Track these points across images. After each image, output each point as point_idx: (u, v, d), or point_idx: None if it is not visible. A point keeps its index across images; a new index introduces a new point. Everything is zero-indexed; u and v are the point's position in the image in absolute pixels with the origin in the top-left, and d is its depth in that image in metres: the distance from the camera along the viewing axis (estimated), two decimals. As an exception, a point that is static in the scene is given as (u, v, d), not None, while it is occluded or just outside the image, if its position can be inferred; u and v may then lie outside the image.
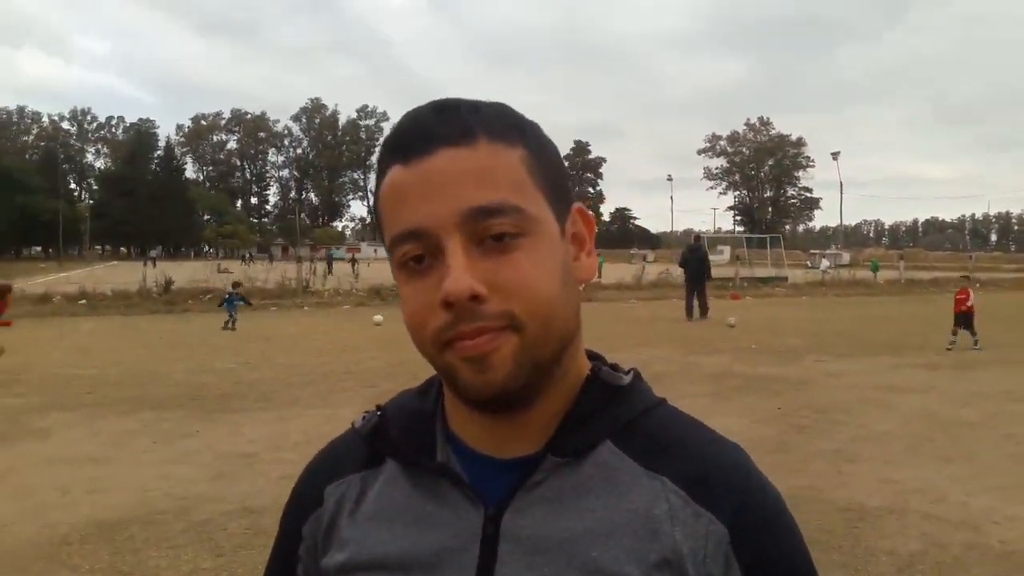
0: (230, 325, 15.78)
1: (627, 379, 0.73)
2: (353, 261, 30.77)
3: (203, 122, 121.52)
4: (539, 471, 0.68)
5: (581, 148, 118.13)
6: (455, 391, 0.67)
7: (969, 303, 13.36)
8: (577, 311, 0.70)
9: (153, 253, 70.58)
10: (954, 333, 13.30)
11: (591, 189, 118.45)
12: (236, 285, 18.27)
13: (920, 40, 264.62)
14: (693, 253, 19.17)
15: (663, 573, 0.65)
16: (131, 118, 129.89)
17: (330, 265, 36.51)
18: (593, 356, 0.77)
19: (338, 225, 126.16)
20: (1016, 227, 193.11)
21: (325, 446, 0.82)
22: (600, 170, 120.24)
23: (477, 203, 0.62)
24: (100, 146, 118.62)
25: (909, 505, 5.19)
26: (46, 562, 4.35)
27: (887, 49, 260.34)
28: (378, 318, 16.72)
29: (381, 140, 0.71)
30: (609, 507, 0.66)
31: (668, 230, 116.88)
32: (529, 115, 0.72)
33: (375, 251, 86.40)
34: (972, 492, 5.49)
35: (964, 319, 13.30)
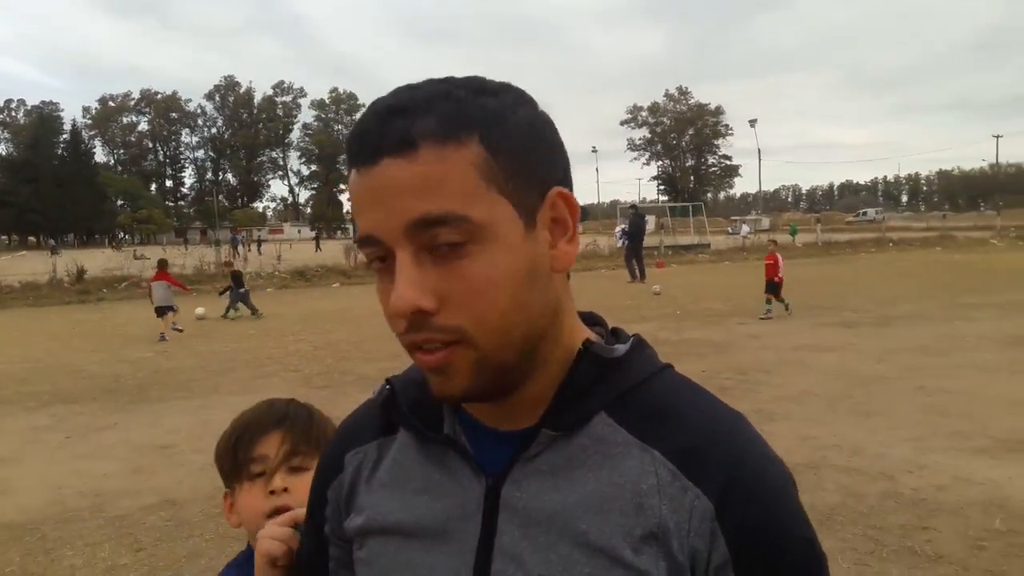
0: (257, 313, 15.06)
1: (621, 350, 0.72)
2: (257, 242, 28.67)
3: (111, 103, 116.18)
4: (534, 444, 0.69)
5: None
6: None
7: (780, 274, 12.84)
8: (551, 303, 0.69)
9: (52, 242, 67.26)
10: (768, 301, 12.77)
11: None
12: (233, 271, 16.58)
13: (834, 8, 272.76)
14: (638, 220, 21.90)
15: (649, 547, 0.65)
16: (33, 101, 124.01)
17: (235, 248, 35.19)
18: (594, 321, 0.78)
19: (259, 206, 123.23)
20: (925, 188, 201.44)
21: (348, 415, 0.87)
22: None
23: (419, 214, 0.62)
24: (0, 131, 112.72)
25: (828, 460, 5.36)
26: (-51, 570, 4.12)
27: (802, 17, 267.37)
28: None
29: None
30: (600, 480, 0.67)
31: (595, 202, 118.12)
32: None
33: (299, 231, 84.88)
34: (888, 444, 5.70)
35: (773, 287, 12.82)
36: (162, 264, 14.16)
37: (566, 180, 0.70)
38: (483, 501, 0.70)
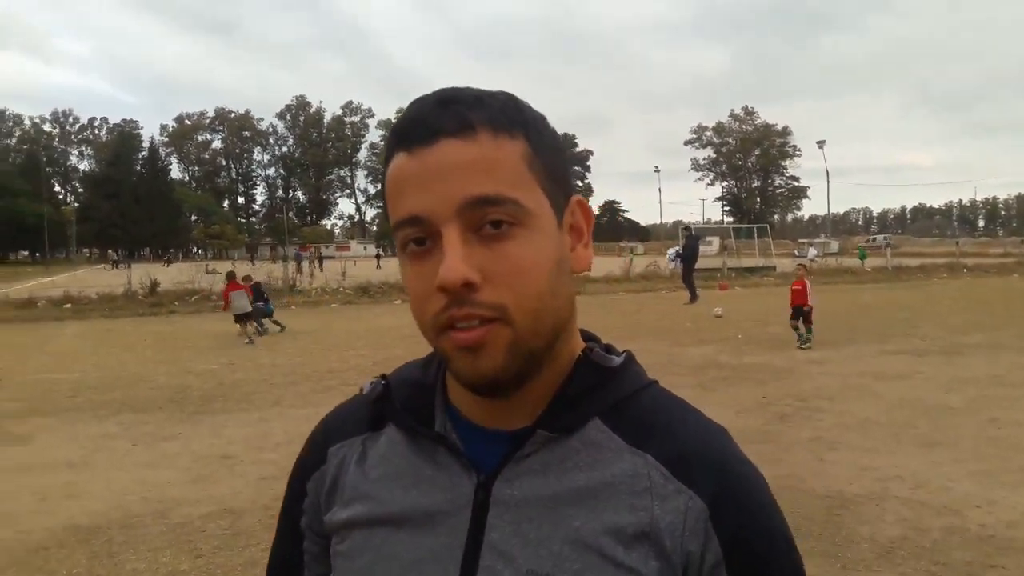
0: (262, 329, 14.97)
1: (618, 360, 0.76)
2: (319, 259, 28.58)
3: (187, 122, 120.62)
4: (529, 444, 0.71)
5: (568, 141, 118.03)
6: (452, 374, 0.72)
7: (810, 302, 12.17)
8: (571, 299, 0.73)
9: (114, 256, 69.47)
10: (795, 328, 12.21)
11: (579, 183, 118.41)
12: (249, 280, 16.03)
13: (906, 25, 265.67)
14: (692, 241, 22.20)
15: (641, 545, 0.68)
16: (114, 119, 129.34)
17: (312, 264, 35.96)
18: (588, 337, 0.81)
19: (327, 223, 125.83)
20: (1003, 212, 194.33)
21: (332, 410, 0.87)
22: (588, 163, 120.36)
23: (475, 193, 0.65)
24: (83, 148, 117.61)
25: (889, 491, 5.19)
26: (20, 568, 4.30)
27: (872, 35, 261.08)
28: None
29: (390, 128, 0.74)
30: (592, 480, 0.70)
31: (657, 222, 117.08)
32: None
33: (364, 248, 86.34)
34: (953, 477, 5.49)
35: (800, 312, 12.18)
36: (230, 276, 14.95)
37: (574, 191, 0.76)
38: (473, 496, 0.72)
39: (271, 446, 6.71)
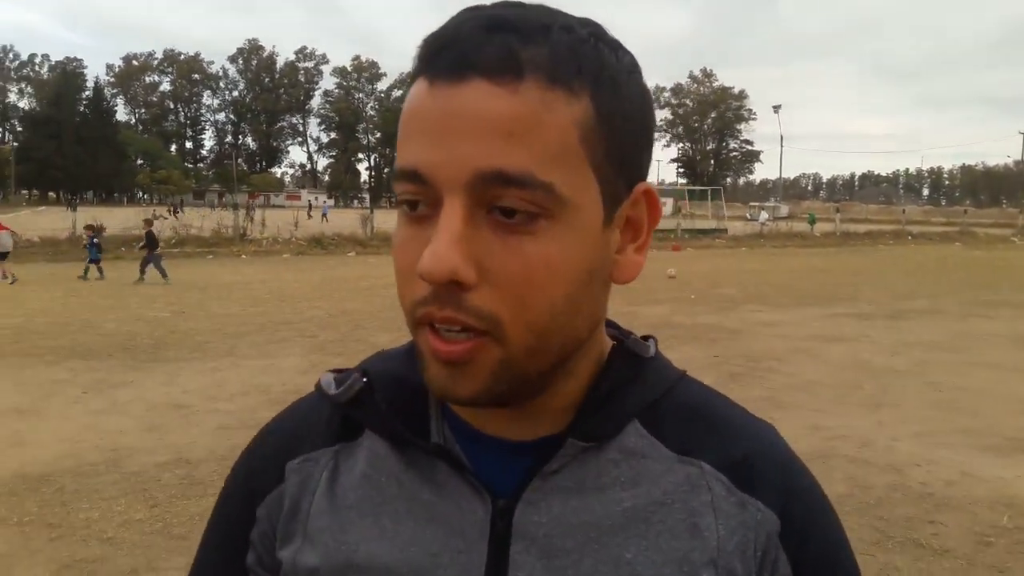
0: (86, 274, 15.06)
1: (652, 350, 0.63)
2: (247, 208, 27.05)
3: (134, 62, 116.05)
4: (558, 456, 0.56)
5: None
6: (424, 379, 0.55)
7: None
8: (597, 317, 0.57)
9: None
10: None
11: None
12: (92, 229, 16.58)
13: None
14: None
15: (709, 574, 0.56)
16: (57, 56, 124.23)
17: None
18: (611, 325, 0.66)
19: (276, 171, 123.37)
20: (947, 182, 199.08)
21: (285, 410, 0.68)
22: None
23: (496, 165, 0.48)
24: (23, 85, 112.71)
25: (836, 450, 5.38)
26: (-31, 516, 4.22)
27: (831, 5, 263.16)
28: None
29: (418, 45, 0.54)
30: (639, 499, 0.57)
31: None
32: None
33: (315, 198, 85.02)
34: (897, 437, 5.71)
35: None
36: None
37: (647, 174, 0.58)
38: (489, 527, 0.56)
39: (226, 396, 6.65)
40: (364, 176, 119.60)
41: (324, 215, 43.41)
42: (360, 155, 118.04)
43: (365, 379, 0.62)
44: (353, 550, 0.58)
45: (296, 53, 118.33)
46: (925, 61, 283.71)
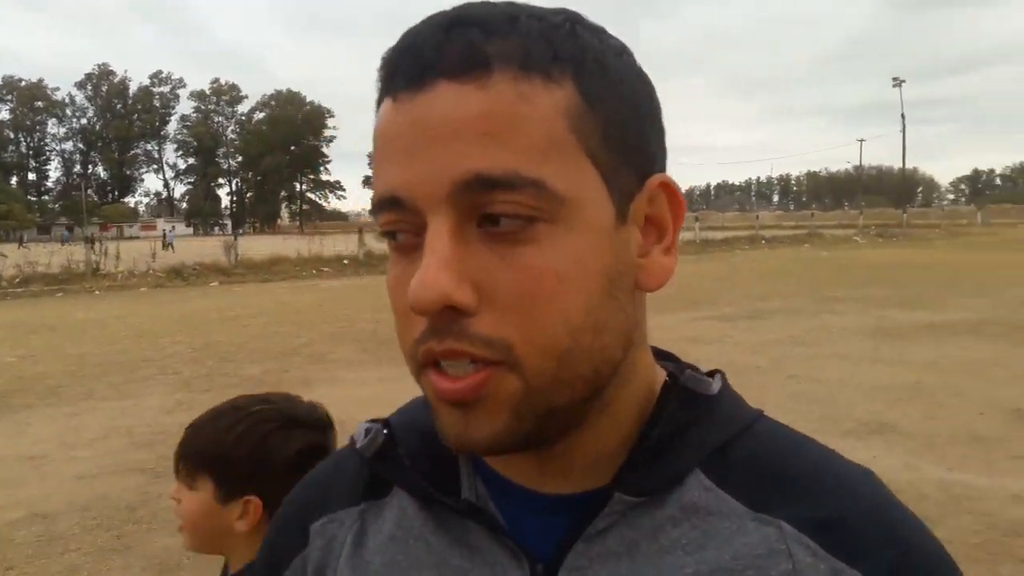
0: None
1: (716, 386, 0.54)
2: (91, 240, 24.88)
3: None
4: (604, 514, 0.49)
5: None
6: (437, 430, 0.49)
7: None
8: (628, 329, 0.49)
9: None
10: None
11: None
12: None
13: (717, 14, 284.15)
14: None
15: None
16: None
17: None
18: (663, 355, 0.58)
19: (130, 201, 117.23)
20: (795, 188, 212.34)
21: (315, 468, 0.64)
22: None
23: (475, 169, 0.43)
24: None
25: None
26: None
27: (686, 23, 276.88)
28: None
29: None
30: (705, 564, 0.48)
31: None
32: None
33: (172, 228, 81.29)
34: (762, 431, 6.01)
35: None
36: None
37: (665, 169, 0.52)
38: None
39: (84, 442, 6.22)
40: (225, 202, 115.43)
41: (169, 244, 38.25)
42: (220, 180, 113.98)
43: (386, 431, 0.57)
44: None
45: (151, 78, 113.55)
46: (772, 75, 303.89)
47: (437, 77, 0.44)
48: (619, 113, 0.48)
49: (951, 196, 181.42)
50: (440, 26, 0.46)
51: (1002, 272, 18.69)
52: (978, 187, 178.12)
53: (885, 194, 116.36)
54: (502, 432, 0.45)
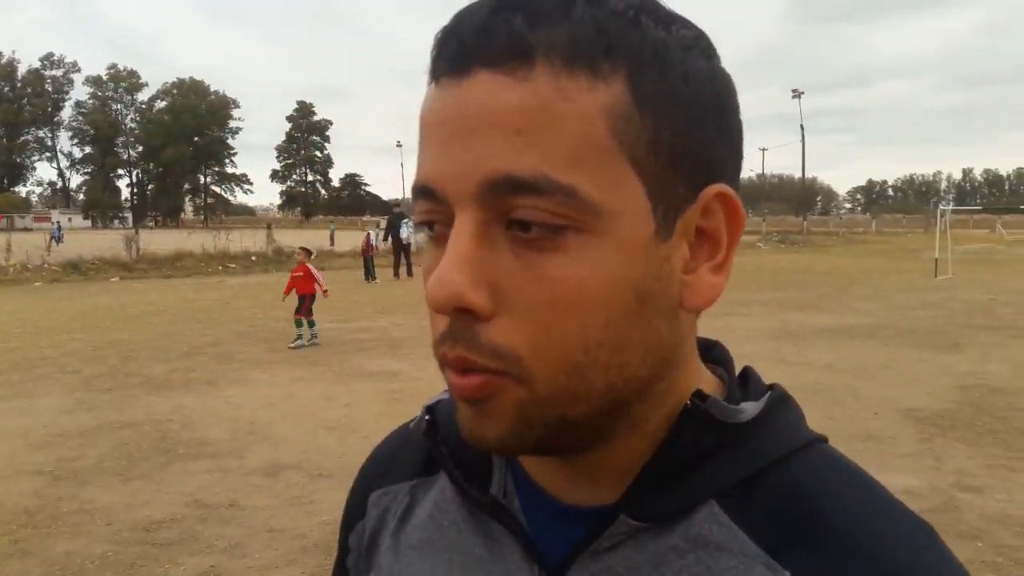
0: None
1: (750, 412, 0.49)
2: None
3: None
4: (609, 533, 0.48)
5: (306, 109, 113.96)
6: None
7: (318, 286, 10.26)
8: (668, 347, 0.47)
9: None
10: (298, 324, 10.14)
11: (318, 153, 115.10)
12: None
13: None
14: (398, 219, 20.82)
15: None
16: None
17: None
18: (714, 357, 0.55)
19: (21, 191, 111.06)
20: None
21: (387, 438, 0.66)
22: (327, 133, 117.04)
23: (504, 169, 0.41)
24: None
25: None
26: None
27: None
28: None
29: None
30: None
31: (400, 197, 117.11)
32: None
33: (69, 219, 77.54)
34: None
35: (305, 302, 10.19)
36: None
37: (735, 178, 0.48)
38: None
39: (-24, 444, 5.89)
40: (125, 193, 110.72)
41: (54, 238, 33.23)
42: (120, 171, 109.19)
43: (428, 416, 0.57)
44: None
45: (41, 60, 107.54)
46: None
47: (478, 65, 0.42)
48: (675, 115, 0.44)
49: (848, 205, 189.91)
50: (488, 6, 0.43)
51: (893, 278, 19.76)
52: (872, 196, 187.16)
53: (787, 202, 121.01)
54: (508, 434, 0.45)
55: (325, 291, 10.52)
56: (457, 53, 0.43)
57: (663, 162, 0.43)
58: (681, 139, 0.44)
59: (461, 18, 0.44)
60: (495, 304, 0.42)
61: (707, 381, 0.52)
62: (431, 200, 0.44)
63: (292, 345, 9.99)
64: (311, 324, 10.24)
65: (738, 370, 0.55)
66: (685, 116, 0.44)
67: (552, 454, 0.48)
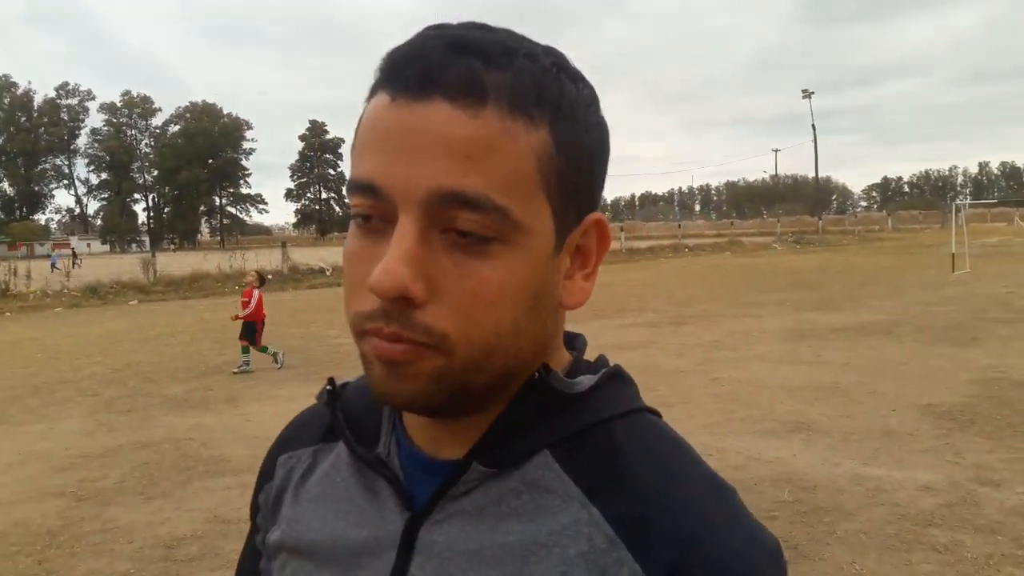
0: None
1: (585, 385, 0.59)
2: (73, 257, 23.69)
3: None
4: (463, 480, 0.57)
5: (318, 128, 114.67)
6: (368, 382, 0.56)
7: (260, 314, 10.04)
8: (545, 337, 0.58)
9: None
10: (244, 351, 9.79)
11: (331, 171, 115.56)
12: None
13: (636, 29, 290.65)
14: None
15: None
16: None
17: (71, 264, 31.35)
18: (574, 344, 0.66)
19: (40, 218, 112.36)
20: (715, 197, 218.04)
21: (302, 411, 0.77)
22: (340, 151, 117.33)
23: (453, 186, 0.49)
24: None
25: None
26: None
27: (607, 36, 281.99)
28: None
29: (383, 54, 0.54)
30: (526, 535, 0.55)
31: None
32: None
33: (88, 246, 78.39)
34: (689, 431, 6.14)
35: (249, 330, 9.93)
36: None
37: (598, 206, 0.60)
38: (399, 539, 0.59)
39: (1, 467, 5.98)
40: (142, 217, 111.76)
41: (53, 265, 32.66)
42: (136, 195, 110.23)
43: (330, 387, 0.68)
44: (300, 536, 0.65)
45: (57, 89, 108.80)
46: (691, 87, 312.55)
47: (438, 94, 0.50)
48: (578, 160, 0.55)
49: (864, 203, 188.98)
50: (447, 45, 0.51)
51: (910, 275, 19.61)
52: (888, 194, 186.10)
53: (802, 202, 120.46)
54: (420, 393, 0.53)
55: (236, 316, 10.27)
56: (419, 80, 0.51)
57: (566, 194, 0.55)
58: (580, 177, 0.56)
59: (421, 47, 0.52)
60: (429, 294, 0.51)
61: (561, 362, 0.62)
62: (373, 197, 0.52)
63: (235, 370, 9.67)
64: (255, 350, 9.80)
65: (595, 358, 0.66)
66: (583, 160, 0.56)
67: (446, 415, 0.57)
